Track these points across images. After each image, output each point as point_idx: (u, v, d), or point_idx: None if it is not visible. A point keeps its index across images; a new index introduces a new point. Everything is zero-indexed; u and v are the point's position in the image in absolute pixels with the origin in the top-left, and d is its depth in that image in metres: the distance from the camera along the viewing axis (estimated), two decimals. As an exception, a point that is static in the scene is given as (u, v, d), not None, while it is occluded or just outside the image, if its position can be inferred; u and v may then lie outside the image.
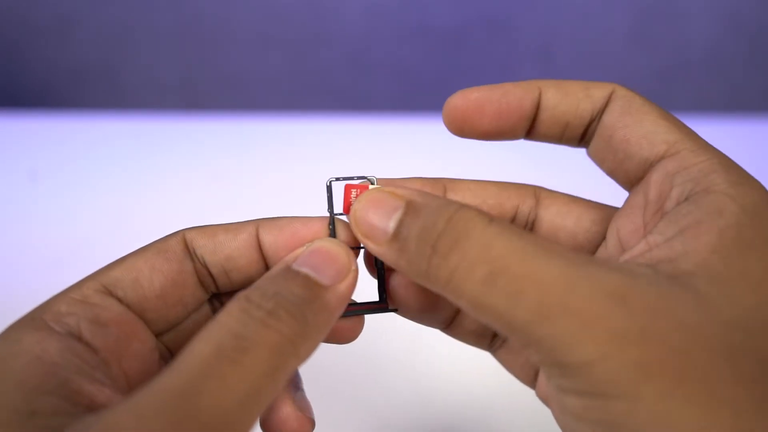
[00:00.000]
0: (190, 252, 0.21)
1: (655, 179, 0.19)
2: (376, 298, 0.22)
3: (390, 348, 0.40)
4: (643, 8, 0.85)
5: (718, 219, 0.16)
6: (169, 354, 0.22)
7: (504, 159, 0.61)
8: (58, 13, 0.85)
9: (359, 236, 0.19)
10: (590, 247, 0.23)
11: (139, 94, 0.90)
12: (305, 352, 0.17)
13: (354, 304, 0.22)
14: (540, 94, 0.21)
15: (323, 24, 0.85)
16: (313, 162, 0.60)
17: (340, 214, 0.22)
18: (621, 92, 0.21)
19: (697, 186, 0.18)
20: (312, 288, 0.18)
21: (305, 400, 0.22)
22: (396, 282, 0.22)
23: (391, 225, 0.18)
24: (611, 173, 0.22)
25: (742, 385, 0.15)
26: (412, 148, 0.63)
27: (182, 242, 0.21)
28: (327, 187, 0.22)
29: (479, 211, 0.17)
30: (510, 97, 0.21)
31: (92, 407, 0.17)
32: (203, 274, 0.22)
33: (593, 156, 0.22)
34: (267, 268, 0.22)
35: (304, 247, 0.20)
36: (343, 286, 0.19)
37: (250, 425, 0.16)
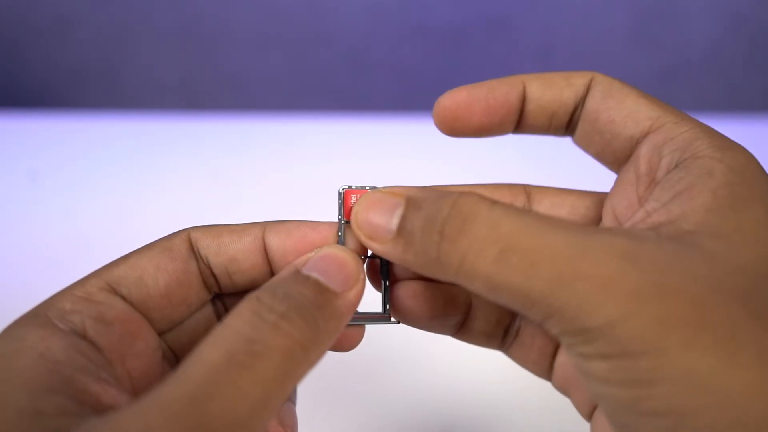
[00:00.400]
0: (194, 251, 0.21)
1: (643, 153, 0.20)
2: (377, 308, 0.22)
3: (388, 352, 0.40)
4: (643, 8, 0.85)
5: (709, 180, 0.17)
6: (171, 353, 0.22)
7: (503, 158, 0.61)
8: (58, 13, 0.85)
9: (362, 238, 0.19)
10: None
11: (139, 94, 0.90)
12: (315, 357, 0.17)
13: (357, 313, 0.22)
14: (524, 88, 0.22)
15: (323, 24, 0.85)
16: (313, 162, 0.60)
17: (347, 222, 0.21)
18: (600, 78, 0.22)
19: (685, 153, 0.19)
20: (322, 293, 0.18)
21: (291, 412, 0.22)
22: (403, 293, 0.22)
23: (394, 221, 0.18)
24: (599, 155, 0.22)
25: (760, 325, 0.15)
26: (412, 148, 0.63)
27: (187, 241, 0.21)
28: (339, 194, 0.21)
29: (480, 195, 0.17)
30: (496, 92, 0.22)
31: (98, 407, 0.16)
32: (206, 275, 0.22)
33: (579, 142, 0.23)
34: (271, 271, 0.22)
35: (313, 253, 0.20)
36: (351, 294, 0.19)
37: (260, 431, 0.16)
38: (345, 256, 0.20)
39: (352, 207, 0.21)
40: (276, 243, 0.21)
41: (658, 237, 0.17)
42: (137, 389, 0.19)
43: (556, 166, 0.61)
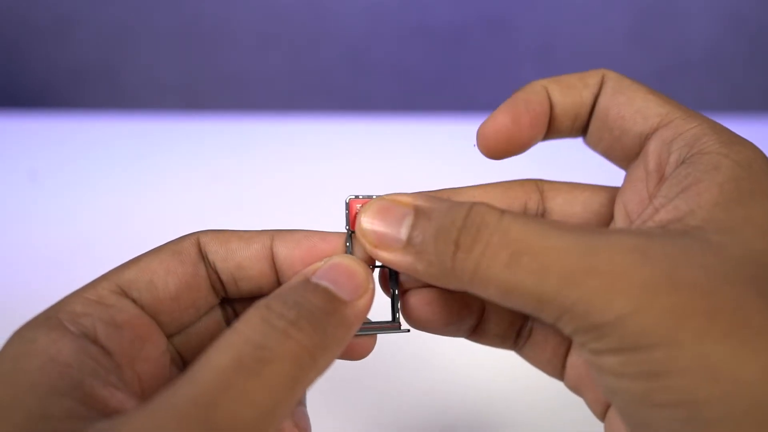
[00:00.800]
0: (203, 256, 0.21)
1: (652, 149, 0.20)
2: (388, 316, 0.22)
3: (391, 352, 0.40)
4: (643, 8, 0.85)
5: (716, 175, 0.17)
6: (178, 356, 0.22)
7: (500, 165, 0.61)
8: (58, 13, 0.85)
9: (368, 248, 0.19)
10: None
11: (139, 94, 0.90)
12: (324, 364, 0.17)
13: (368, 322, 0.22)
14: (548, 93, 0.22)
15: (323, 24, 0.85)
16: (313, 162, 0.60)
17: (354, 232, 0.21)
18: (610, 75, 0.22)
19: (693, 149, 0.19)
20: (332, 301, 0.18)
21: (304, 415, 0.22)
22: (416, 301, 0.22)
23: (404, 231, 0.19)
24: (608, 152, 0.22)
25: None
26: (412, 148, 0.63)
27: (196, 245, 0.21)
28: (346, 204, 0.21)
29: (491, 205, 0.18)
30: (533, 104, 0.22)
31: (106, 411, 0.16)
32: (214, 280, 0.22)
33: (590, 141, 0.23)
34: (278, 280, 0.22)
35: (323, 262, 0.20)
36: (361, 303, 0.19)
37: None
38: (354, 265, 0.20)
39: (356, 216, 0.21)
40: (284, 252, 0.21)
41: (667, 233, 0.17)
42: (146, 393, 0.19)
43: (556, 161, 0.61)
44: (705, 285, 0.15)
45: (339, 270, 0.19)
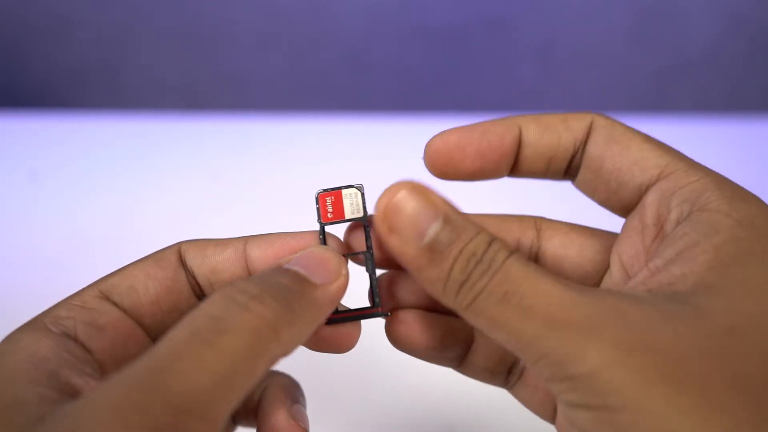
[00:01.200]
0: (183, 262, 0.22)
1: (650, 202, 0.20)
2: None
3: (389, 352, 0.40)
4: (643, 8, 0.85)
5: (714, 237, 0.17)
6: None
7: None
8: (58, 13, 0.85)
9: (384, 229, 0.18)
10: (597, 276, 0.23)
11: (139, 94, 0.90)
12: (288, 339, 0.17)
13: (348, 310, 0.22)
14: (520, 131, 0.21)
15: (323, 24, 0.85)
16: (313, 162, 0.60)
17: (328, 224, 0.22)
18: (601, 121, 0.21)
19: (693, 206, 0.18)
20: (301, 283, 0.18)
21: (302, 413, 0.23)
22: (402, 320, 0.22)
23: (430, 233, 0.18)
24: (605, 203, 0.22)
25: (742, 393, 0.15)
26: (412, 148, 0.62)
27: (177, 253, 0.22)
28: (315, 198, 0.22)
29: (505, 242, 0.18)
30: (490, 135, 0.21)
31: (78, 396, 0.17)
32: (193, 284, 0.22)
33: (582, 188, 0.22)
34: None
35: (297, 254, 0.20)
36: (333, 287, 0.19)
37: (225, 409, 0.15)
38: (327, 253, 0.20)
39: (328, 211, 0.21)
40: (257, 253, 0.22)
41: (654, 297, 0.17)
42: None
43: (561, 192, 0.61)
44: (679, 354, 0.15)
45: (311, 257, 0.19)
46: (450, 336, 0.23)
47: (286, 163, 0.61)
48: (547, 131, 0.21)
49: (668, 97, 0.90)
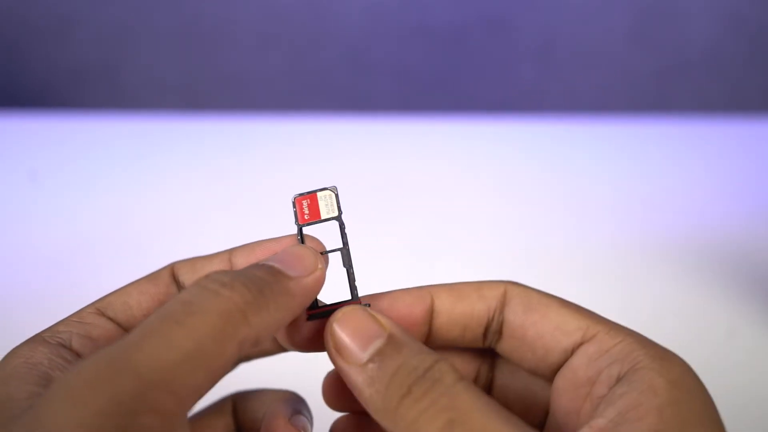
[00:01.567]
0: (175, 279, 0.23)
1: (578, 364, 0.20)
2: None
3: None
4: (643, 8, 0.85)
5: (653, 398, 0.17)
6: None
7: (501, 160, 0.61)
8: (58, 13, 0.85)
9: (330, 347, 0.20)
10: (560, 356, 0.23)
11: (139, 94, 0.90)
12: (258, 323, 0.18)
13: (326, 305, 0.22)
14: (432, 300, 0.22)
15: (323, 24, 0.85)
16: (313, 162, 0.60)
17: (305, 225, 0.23)
18: (514, 290, 0.22)
19: (624, 366, 0.19)
20: (275, 275, 0.19)
21: (303, 422, 0.23)
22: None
23: (369, 352, 0.19)
24: (534, 370, 0.22)
25: None
26: (412, 148, 0.63)
27: (170, 270, 0.23)
28: (292, 203, 0.23)
29: (453, 367, 0.18)
30: (399, 304, 0.22)
31: None
32: None
33: (508, 354, 0.22)
34: None
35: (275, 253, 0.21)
36: (308, 279, 0.19)
37: (193, 385, 0.16)
38: (303, 250, 0.20)
39: (305, 213, 0.22)
40: (241, 261, 0.22)
41: None
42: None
43: (550, 179, 0.61)
44: None
45: (287, 253, 0.20)
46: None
47: (286, 163, 0.61)
48: (461, 300, 0.22)
49: (668, 97, 0.90)
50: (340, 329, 0.20)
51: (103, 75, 0.88)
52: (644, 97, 0.89)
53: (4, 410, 0.16)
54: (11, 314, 0.42)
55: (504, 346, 0.22)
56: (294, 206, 0.23)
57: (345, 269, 0.23)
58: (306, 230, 0.23)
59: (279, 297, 0.18)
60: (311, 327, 0.22)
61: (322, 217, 0.23)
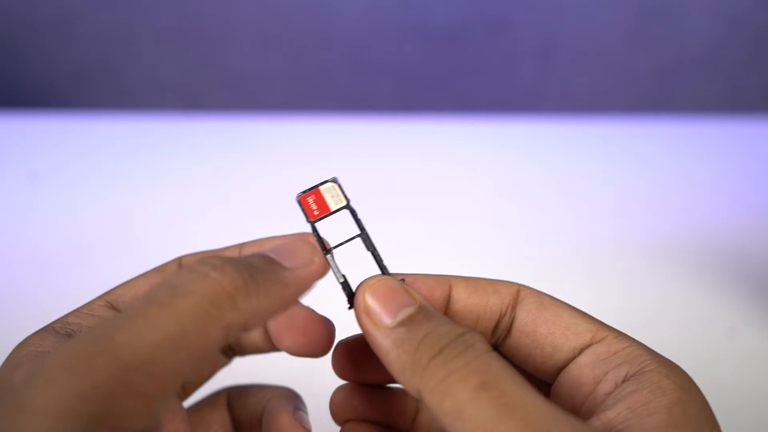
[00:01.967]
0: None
1: (585, 363, 0.21)
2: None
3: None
4: (643, 8, 0.85)
5: (663, 397, 0.18)
6: None
7: (500, 161, 0.61)
8: (58, 12, 0.85)
9: (360, 310, 0.20)
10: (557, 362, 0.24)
11: (139, 94, 0.90)
12: (247, 309, 0.17)
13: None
14: (450, 288, 0.22)
15: (323, 24, 0.86)
16: (313, 162, 0.60)
17: (317, 221, 0.22)
18: (528, 291, 0.22)
19: (633, 367, 0.20)
20: (270, 263, 0.19)
21: (304, 418, 0.24)
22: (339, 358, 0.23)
23: (400, 317, 0.19)
24: (537, 369, 0.22)
25: None
26: (412, 148, 0.63)
27: (178, 262, 0.23)
28: (297, 202, 0.23)
29: (484, 338, 0.18)
30: (421, 284, 0.22)
31: None
32: None
33: (513, 353, 0.23)
34: None
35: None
36: (303, 271, 0.19)
37: (174, 369, 0.16)
38: (303, 244, 0.20)
39: (312, 210, 0.22)
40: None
41: None
42: None
43: (549, 179, 0.61)
44: None
45: (286, 245, 0.20)
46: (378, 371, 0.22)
47: (286, 163, 0.61)
48: (477, 292, 0.22)
49: (668, 97, 0.90)
50: (373, 293, 0.20)
51: (103, 75, 0.88)
52: (644, 97, 0.89)
53: (6, 396, 0.16)
54: (11, 314, 0.42)
55: (511, 344, 0.22)
56: (300, 205, 0.22)
57: (369, 252, 0.23)
58: (320, 225, 0.22)
59: (271, 285, 0.18)
60: (316, 331, 0.22)
61: (332, 209, 0.23)
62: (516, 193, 0.57)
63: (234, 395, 0.25)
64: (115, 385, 0.14)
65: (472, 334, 0.18)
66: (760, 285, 0.45)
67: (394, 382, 0.21)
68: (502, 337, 0.23)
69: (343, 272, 0.22)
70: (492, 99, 0.89)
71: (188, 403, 0.25)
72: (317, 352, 0.22)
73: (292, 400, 0.24)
